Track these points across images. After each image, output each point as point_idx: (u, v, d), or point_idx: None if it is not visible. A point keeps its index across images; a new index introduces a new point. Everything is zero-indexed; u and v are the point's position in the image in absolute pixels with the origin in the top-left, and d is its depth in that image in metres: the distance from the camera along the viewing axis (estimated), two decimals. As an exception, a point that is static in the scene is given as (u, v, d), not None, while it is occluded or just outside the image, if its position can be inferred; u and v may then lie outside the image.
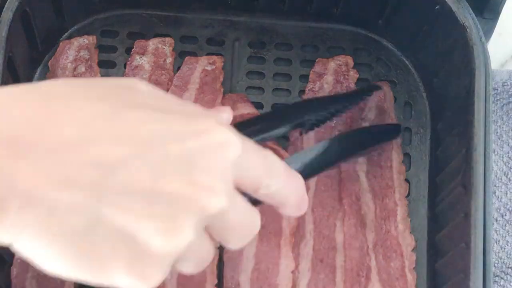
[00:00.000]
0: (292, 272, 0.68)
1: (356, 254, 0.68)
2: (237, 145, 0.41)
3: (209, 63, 0.73)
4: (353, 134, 0.68)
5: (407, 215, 0.69)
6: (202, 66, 0.73)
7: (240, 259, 0.68)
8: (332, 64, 0.73)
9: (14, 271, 0.68)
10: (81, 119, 0.37)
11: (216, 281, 0.68)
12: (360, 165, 0.70)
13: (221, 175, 0.40)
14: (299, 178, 0.48)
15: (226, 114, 0.49)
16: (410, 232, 0.69)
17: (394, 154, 0.71)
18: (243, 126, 0.57)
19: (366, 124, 0.71)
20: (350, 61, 0.73)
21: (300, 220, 0.69)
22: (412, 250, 0.69)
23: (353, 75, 0.73)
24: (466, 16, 0.66)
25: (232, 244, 0.44)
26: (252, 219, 0.44)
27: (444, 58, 0.70)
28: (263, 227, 0.68)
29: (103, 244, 0.37)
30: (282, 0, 0.74)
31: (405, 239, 0.69)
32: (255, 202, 0.46)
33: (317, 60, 0.73)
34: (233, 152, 0.41)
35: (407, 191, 0.70)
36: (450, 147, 0.68)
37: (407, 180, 0.71)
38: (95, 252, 0.37)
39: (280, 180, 0.46)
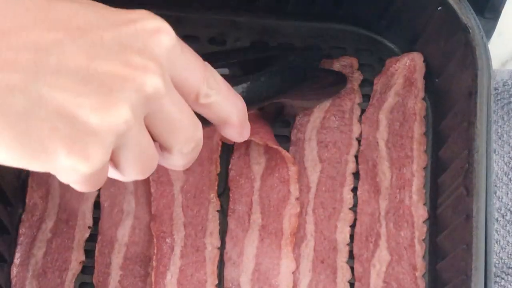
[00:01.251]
0: (293, 272, 0.68)
1: (367, 219, 0.69)
2: (171, 33, 0.43)
3: None
4: (295, 69, 0.65)
5: (422, 187, 0.70)
6: None
7: (240, 260, 0.68)
8: (336, 65, 0.73)
9: (14, 270, 0.68)
10: (17, 10, 0.39)
11: (216, 281, 0.68)
12: (380, 133, 0.71)
13: (156, 58, 0.41)
14: (240, 98, 0.48)
15: None
16: (424, 204, 0.69)
17: (416, 125, 0.71)
18: None
19: (392, 92, 0.72)
20: (355, 63, 0.73)
21: (301, 220, 0.69)
22: (424, 221, 0.69)
23: (358, 76, 0.73)
24: (469, 16, 0.66)
25: (174, 146, 0.44)
26: (193, 121, 0.44)
27: (446, 59, 0.70)
28: (263, 227, 0.68)
29: (43, 124, 0.38)
30: (284, 0, 0.73)
31: (418, 210, 0.69)
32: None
33: (322, 61, 0.73)
34: (167, 39, 0.42)
35: (426, 163, 0.71)
36: (452, 148, 0.68)
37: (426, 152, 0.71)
38: (35, 133, 0.38)
39: (220, 91, 0.46)
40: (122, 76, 0.40)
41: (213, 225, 0.69)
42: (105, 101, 0.39)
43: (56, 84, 0.38)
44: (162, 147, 0.45)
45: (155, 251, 0.67)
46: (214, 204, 0.70)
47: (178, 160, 0.46)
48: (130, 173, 0.43)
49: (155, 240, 0.68)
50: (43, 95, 0.38)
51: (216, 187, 0.70)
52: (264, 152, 0.71)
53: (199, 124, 0.45)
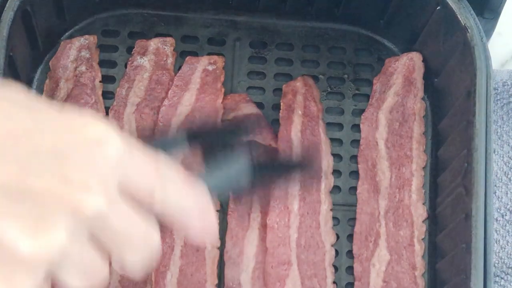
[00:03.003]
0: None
1: (366, 219, 0.69)
2: (117, 142, 0.38)
3: (210, 63, 0.73)
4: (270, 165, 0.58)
5: (421, 186, 0.70)
6: (203, 66, 0.73)
7: (241, 259, 0.68)
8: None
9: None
10: None
11: (216, 281, 0.68)
12: (380, 132, 0.71)
13: (98, 174, 0.37)
14: (202, 190, 0.43)
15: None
16: (423, 203, 0.69)
17: (415, 124, 0.71)
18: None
19: (391, 91, 0.71)
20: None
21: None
22: (423, 221, 0.69)
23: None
24: (468, 16, 0.66)
25: (126, 258, 0.40)
26: (145, 230, 0.40)
27: (445, 59, 0.70)
28: (263, 226, 0.68)
29: None
30: (283, 0, 0.73)
31: (417, 210, 0.69)
32: None
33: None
34: (112, 149, 0.37)
35: (425, 163, 0.71)
36: (451, 148, 0.68)
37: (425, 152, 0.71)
38: None
39: (177, 188, 0.41)
40: (58, 195, 0.35)
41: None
42: (37, 225, 0.34)
43: None
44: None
45: None
46: (214, 203, 0.69)
47: (134, 268, 0.41)
48: (72, 285, 0.38)
49: None
50: None
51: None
52: None
53: (155, 230, 0.40)
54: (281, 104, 0.72)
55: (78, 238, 0.36)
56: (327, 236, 0.68)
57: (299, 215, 0.68)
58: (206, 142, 0.52)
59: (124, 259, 0.40)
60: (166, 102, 0.71)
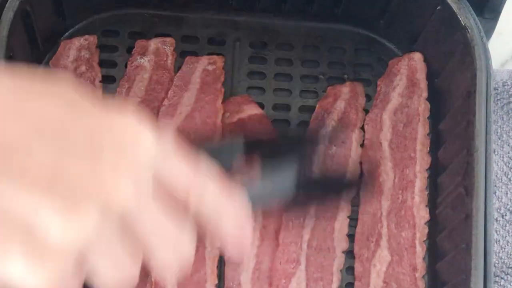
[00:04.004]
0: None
1: (368, 219, 0.69)
2: (151, 144, 0.39)
3: (210, 63, 0.73)
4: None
5: (425, 188, 0.70)
6: (202, 66, 0.73)
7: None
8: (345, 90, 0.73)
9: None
10: None
11: (216, 281, 0.68)
12: (384, 134, 0.71)
13: (130, 173, 0.38)
14: (242, 200, 0.43)
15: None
16: (426, 205, 0.69)
17: (420, 126, 0.71)
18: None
19: (395, 93, 0.72)
20: (360, 88, 0.73)
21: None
22: (425, 223, 0.69)
23: (361, 102, 0.73)
24: (467, 16, 0.66)
25: (155, 260, 0.40)
26: (175, 233, 0.40)
27: (445, 59, 0.70)
28: (264, 227, 0.68)
29: (1, 227, 0.35)
30: (283, 0, 0.73)
31: (420, 211, 0.69)
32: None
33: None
34: (146, 151, 0.39)
35: (429, 164, 0.70)
36: (451, 148, 0.68)
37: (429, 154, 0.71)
38: None
39: (214, 192, 0.41)
40: (89, 187, 0.37)
41: None
42: (69, 208, 0.36)
43: (18, 186, 0.35)
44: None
45: None
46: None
47: (163, 271, 0.41)
48: (104, 275, 0.39)
49: None
50: (3, 197, 0.35)
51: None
52: None
53: (188, 236, 0.41)
54: (317, 106, 0.72)
55: (108, 230, 0.37)
56: (340, 242, 0.69)
57: (314, 217, 0.68)
58: (263, 152, 0.51)
59: (154, 261, 0.40)
60: (166, 102, 0.71)
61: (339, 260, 0.68)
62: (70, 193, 0.36)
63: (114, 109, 0.39)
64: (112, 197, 0.37)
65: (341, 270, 0.68)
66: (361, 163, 0.71)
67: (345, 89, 0.73)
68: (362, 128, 0.72)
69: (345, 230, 0.69)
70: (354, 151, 0.71)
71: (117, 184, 0.37)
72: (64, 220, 0.36)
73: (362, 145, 0.71)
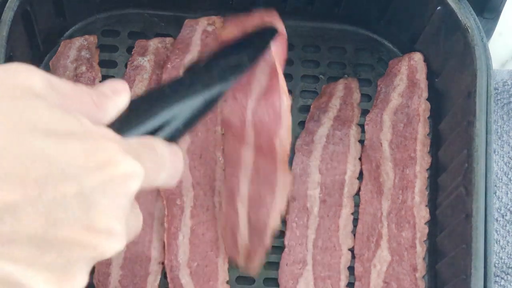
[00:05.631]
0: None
1: (369, 219, 0.69)
2: (141, 175, 0.38)
3: (209, 24, 0.73)
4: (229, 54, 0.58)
5: (425, 188, 0.70)
6: (202, 27, 0.73)
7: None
8: (339, 87, 0.73)
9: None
10: None
11: (227, 278, 0.68)
12: (384, 134, 0.71)
13: (122, 214, 0.38)
14: (179, 155, 0.44)
15: (122, 97, 0.43)
16: (426, 206, 0.69)
17: (420, 126, 0.71)
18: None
19: (396, 93, 0.71)
20: (354, 84, 0.73)
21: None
22: (425, 223, 0.69)
23: (357, 97, 0.73)
24: (468, 17, 0.66)
25: None
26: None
27: (446, 59, 0.70)
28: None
29: None
30: (284, 0, 0.73)
31: (420, 211, 0.69)
32: None
33: None
34: (136, 183, 0.38)
35: (429, 164, 0.70)
36: (451, 148, 0.68)
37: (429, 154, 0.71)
38: None
39: (166, 170, 0.43)
40: (83, 244, 0.36)
41: (220, 184, 0.69)
42: (60, 276, 0.36)
43: (7, 254, 0.34)
44: None
45: (166, 213, 0.67)
46: (220, 163, 0.70)
47: None
48: None
49: (165, 202, 0.68)
50: None
51: (221, 147, 0.70)
52: None
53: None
54: (311, 106, 0.72)
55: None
56: (345, 240, 0.69)
57: (318, 217, 0.69)
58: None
59: None
60: (169, 65, 0.71)
61: (345, 258, 0.68)
62: (62, 257, 0.36)
63: (96, 130, 0.38)
64: (105, 248, 0.37)
65: (348, 268, 0.68)
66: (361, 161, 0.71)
67: (339, 87, 0.73)
68: (360, 125, 0.72)
69: (350, 227, 0.69)
70: (353, 148, 0.71)
71: (111, 233, 0.37)
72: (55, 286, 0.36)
73: (360, 142, 0.71)
